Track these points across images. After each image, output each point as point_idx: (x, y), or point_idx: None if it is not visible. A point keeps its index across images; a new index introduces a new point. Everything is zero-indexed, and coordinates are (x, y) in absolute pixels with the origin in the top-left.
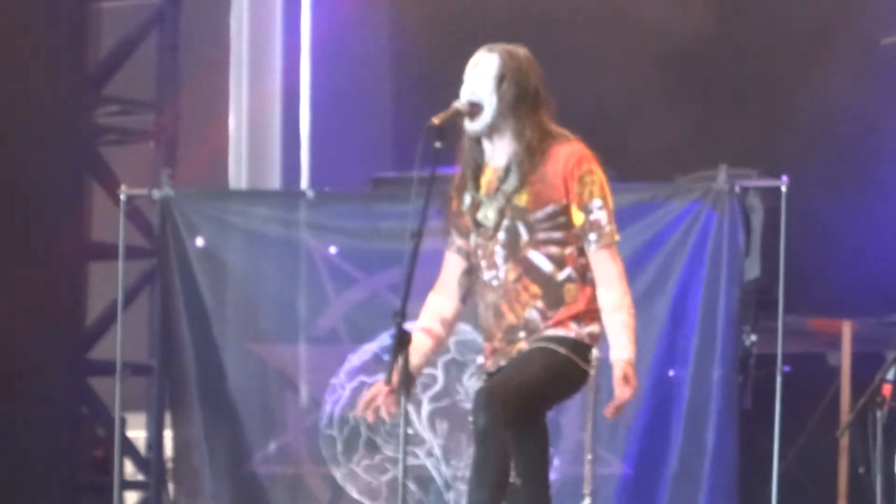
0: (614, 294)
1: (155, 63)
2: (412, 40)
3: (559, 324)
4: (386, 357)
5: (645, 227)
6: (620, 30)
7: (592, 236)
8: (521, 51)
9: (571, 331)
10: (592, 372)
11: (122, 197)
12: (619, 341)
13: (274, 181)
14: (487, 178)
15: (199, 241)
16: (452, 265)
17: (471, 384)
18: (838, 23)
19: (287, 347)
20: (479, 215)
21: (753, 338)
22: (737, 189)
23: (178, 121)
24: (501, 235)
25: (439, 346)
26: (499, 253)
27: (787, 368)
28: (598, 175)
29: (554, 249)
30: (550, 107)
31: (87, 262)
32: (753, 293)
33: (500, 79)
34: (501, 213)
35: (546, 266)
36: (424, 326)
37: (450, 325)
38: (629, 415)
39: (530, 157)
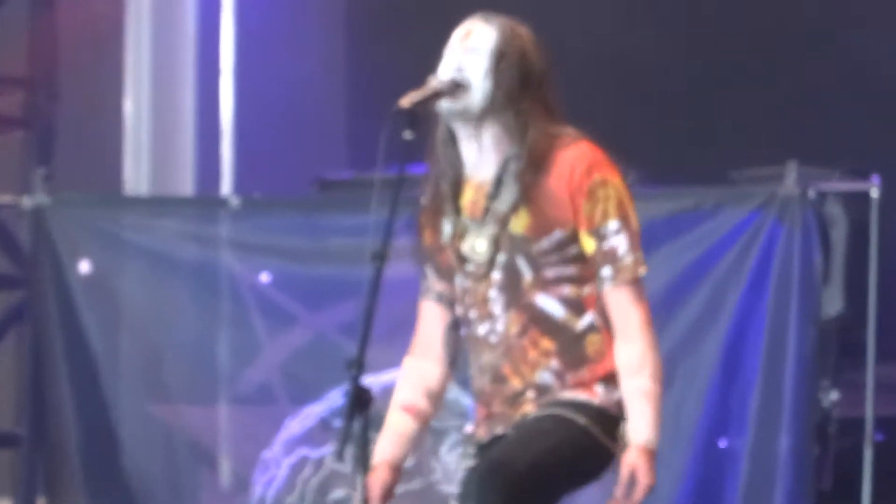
0: (634, 349)
1: (25, 25)
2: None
3: (580, 385)
4: (337, 423)
5: (688, 246)
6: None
7: (606, 271)
8: (524, 29)
9: (595, 395)
10: (620, 451)
11: None
12: (635, 417)
13: (185, 184)
14: (470, 197)
15: (85, 266)
16: (433, 319)
17: (451, 459)
18: None
19: (202, 410)
20: (465, 247)
21: (834, 396)
22: (811, 194)
23: (56, 102)
24: (497, 275)
25: (426, 426)
26: (495, 299)
27: (879, 437)
28: (615, 186)
29: (568, 290)
30: (558, 102)
31: None
32: (834, 334)
33: (499, 56)
34: (495, 244)
35: (558, 312)
36: (405, 403)
37: (437, 398)
38: (665, 499)
39: (533, 166)
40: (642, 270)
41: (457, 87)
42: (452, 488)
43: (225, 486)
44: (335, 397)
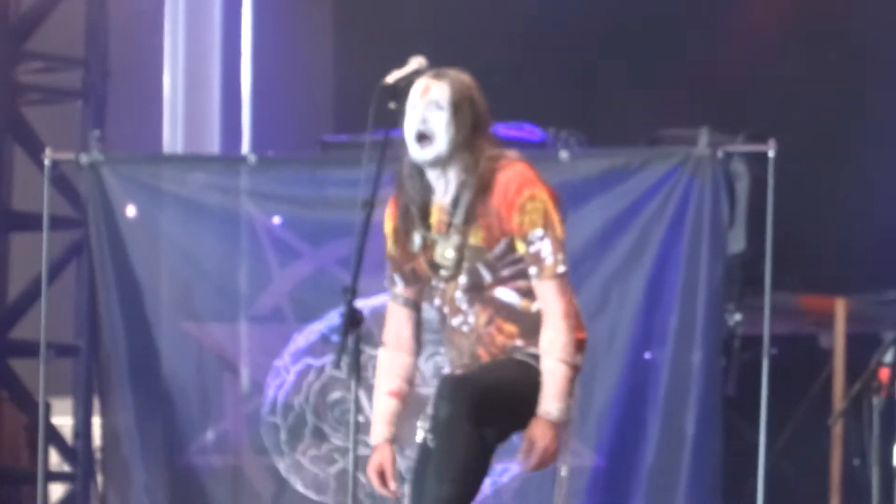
0: (548, 335)
1: (83, 14)
2: None
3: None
4: (335, 338)
5: (618, 197)
6: None
7: (533, 269)
8: (467, 77)
9: None
10: (570, 402)
11: (47, 162)
12: (542, 392)
13: (212, 145)
14: (436, 216)
15: (131, 210)
16: (402, 319)
17: (427, 367)
18: None
19: (226, 327)
20: (437, 256)
21: (738, 317)
22: (720, 154)
23: (107, 78)
24: (463, 279)
25: (407, 404)
26: (460, 298)
27: (774, 351)
28: (541, 199)
29: (522, 283)
30: (492, 132)
31: (8, 233)
32: (738, 268)
33: (456, 108)
34: (460, 252)
35: (515, 300)
36: (390, 389)
37: (412, 381)
38: (601, 401)
39: (480, 190)
40: (561, 269)
41: (423, 137)
42: (429, 391)
43: (244, 389)
44: (333, 317)
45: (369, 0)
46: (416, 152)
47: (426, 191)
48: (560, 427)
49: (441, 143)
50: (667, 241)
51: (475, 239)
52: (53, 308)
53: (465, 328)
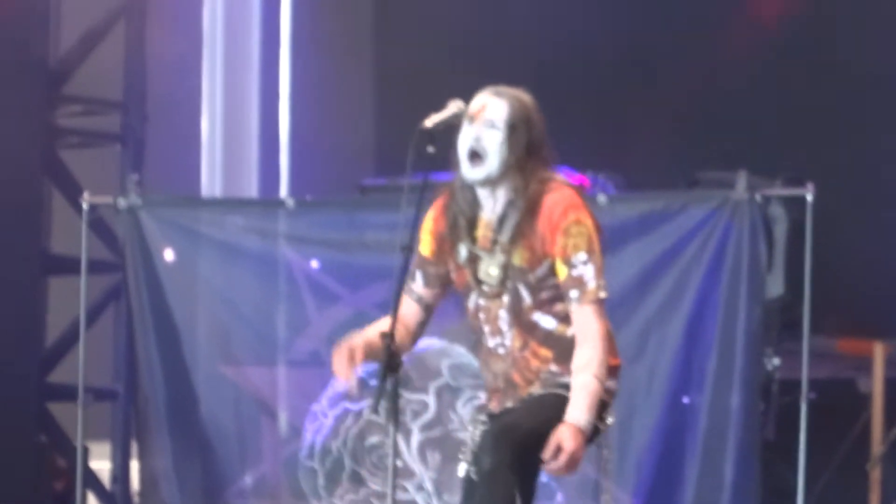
0: (585, 352)
1: (121, 58)
2: (396, 39)
3: None
4: (373, 382)
5: (657, 240)
6: (644, 35)
7: (574, 293)
8: (527, 97)
9: None
10: (604, 429)
11: (85, 205)
12: (573, 402)
13: (251, 188)
14: (482, 231)
15: (169, 254)
16: (411, 310)
17: (465, 411)
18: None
19: (264, 370)
20: (481, 273)
21: (776, 361)
22: (758, 198)
23: (146, 122)
24: (506, 298)
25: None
26: (503, 318)
27: (812, 395)
28: (586, 226)
29: (559, 307)
30: (552, 156)
31: (46, 277)
32: (776, 312)
33: (512, 129)
34: (504, 271)
35: (551, 324)
36: (381, 330)
37: (399, 350)
38: (640, 445)
39: (528, 211)
40: (603, 294)
41: (475, 154)
42: (467, 435)
43: (282, 433)
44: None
45: (409, 43)
46: (468, 170)
47: (475, 205)
48: (586, 438)
49: (493, 162)
50: (705, 284)
51: (519, 259)
52: (91, 352)
53: (500, 350)
